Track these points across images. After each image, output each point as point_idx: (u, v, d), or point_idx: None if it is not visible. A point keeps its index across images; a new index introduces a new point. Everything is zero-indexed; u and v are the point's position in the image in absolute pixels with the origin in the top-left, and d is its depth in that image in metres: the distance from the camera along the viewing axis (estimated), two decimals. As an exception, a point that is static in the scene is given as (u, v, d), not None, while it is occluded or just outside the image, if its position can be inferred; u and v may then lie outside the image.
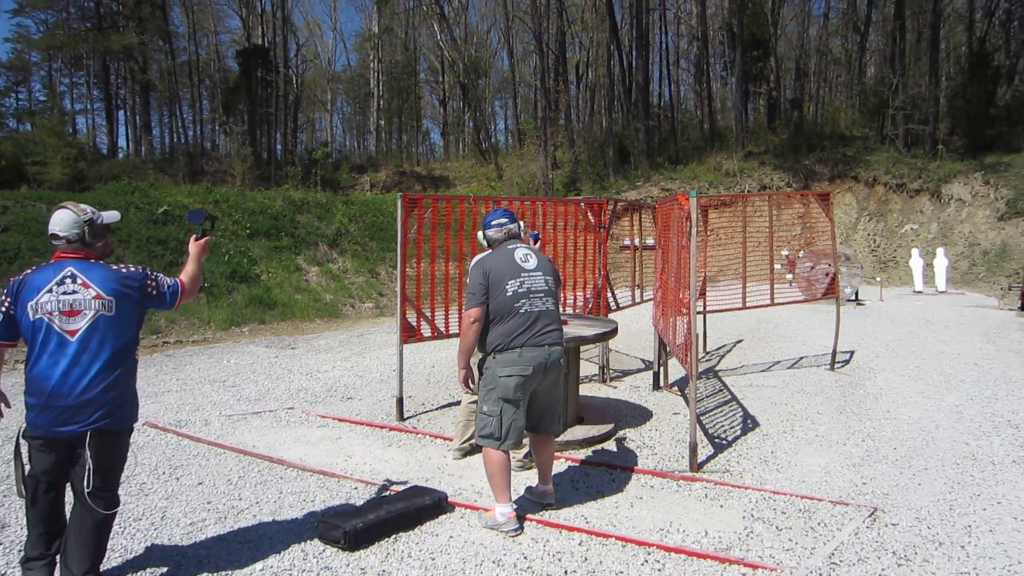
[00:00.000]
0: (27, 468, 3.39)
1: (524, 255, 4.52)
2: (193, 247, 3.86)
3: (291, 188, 25.18)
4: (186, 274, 3.73)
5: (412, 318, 7.43)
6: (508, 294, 4.34)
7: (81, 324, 3.27)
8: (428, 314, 7.60)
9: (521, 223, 4.77)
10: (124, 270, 3.45)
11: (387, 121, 52.94)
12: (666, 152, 35.40)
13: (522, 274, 4.42)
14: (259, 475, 5.40)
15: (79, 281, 3.30)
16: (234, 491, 5.06)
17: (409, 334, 7.34)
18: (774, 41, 38.28)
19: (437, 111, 56.97)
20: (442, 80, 52.37)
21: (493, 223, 4.67)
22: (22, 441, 3.37)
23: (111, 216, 3.58)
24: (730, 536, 4.29)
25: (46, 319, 3.24)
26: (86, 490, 3.26)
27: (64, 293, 3.27)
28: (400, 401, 7.13)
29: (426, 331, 7.57)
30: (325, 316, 15.67)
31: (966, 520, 4.54)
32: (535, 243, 6.31)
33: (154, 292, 3.52)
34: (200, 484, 5.20)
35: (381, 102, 50.94)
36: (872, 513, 4.62)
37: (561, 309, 5.13)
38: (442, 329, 7.68)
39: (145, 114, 44.05)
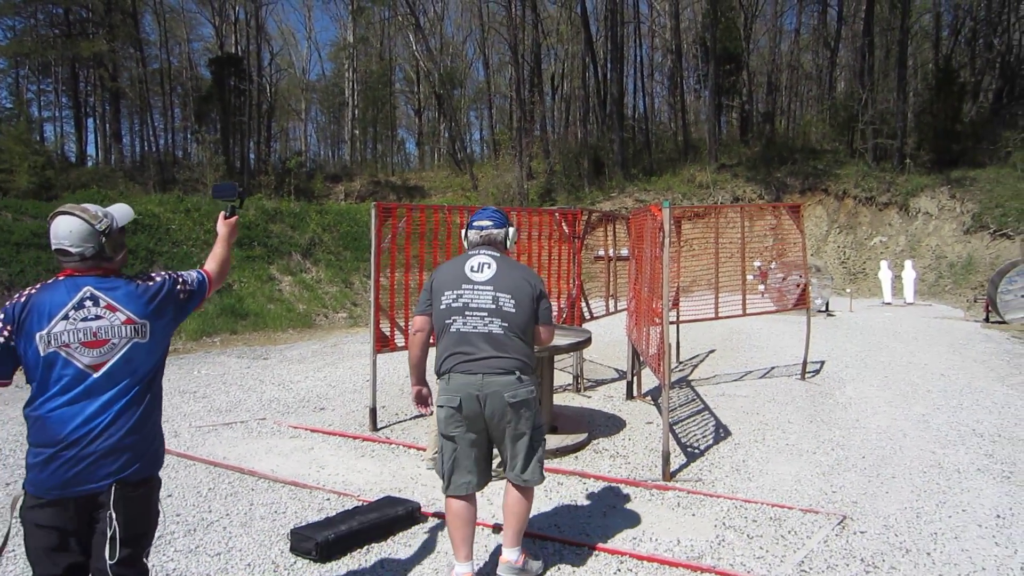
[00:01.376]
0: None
1: (479, 264, 3.80)
2: (222, 227, 3.22)
3: (264, 197, 25.00)
4: (214, 258, 3.12)
5: (386, 328, 7.41)
6: (441, 308, 3.74)
7: (109, 356, 2.57)
8: (402, 324, 7.59)
9: (511, 229, 4.01)
10: (152, 283, 2.74)
11: (362, 131, 52.82)
12: (640, 163, 35.62)
13: (463, 286, 3.73)
14: (229, 487, 5.35)
15: (102, 304, 2.60)
16: (204, 503, 5.01)
17: (383, 344, 7.32)
18: (746, 55, 38.81)
19: (412, 121, 57.02)
20: (417, 90, 52.41)
21: (474, 223, 3.96)
22: (15, 515, 2.60)
23: (125, 214, 2.82)
24: (702, 544, 4.32)
25: (62, 353, 2.52)
26: (109, 563, 2.50)
27: (85, 319, 2.56)
28: (373, 411, 7.10)
29: (400, 341, 7.56)
30: (298, 326, 15.56)
31: (932, 527, 4.61)
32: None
33: (185, 297, 2.85)
34: (169, 496, 5.14)
35: (356, 112, 50.83)
36: (841, 521, 4.68)
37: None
38: (416, 339, 7.66)
39: (115, 122, 43.52)
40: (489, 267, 3.79)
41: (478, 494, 3.83)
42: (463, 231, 4.04)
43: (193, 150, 46.09)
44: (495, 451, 3.89)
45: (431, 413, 3.97)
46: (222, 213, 3.25)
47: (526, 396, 3.66)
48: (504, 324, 3.68)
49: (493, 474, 3.98)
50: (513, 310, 3.71)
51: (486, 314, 3.68)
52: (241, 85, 41.41)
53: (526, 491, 3.80)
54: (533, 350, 3.85)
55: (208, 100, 42.49)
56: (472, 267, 3.79)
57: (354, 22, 48.71)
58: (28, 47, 41.13)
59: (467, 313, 3.69)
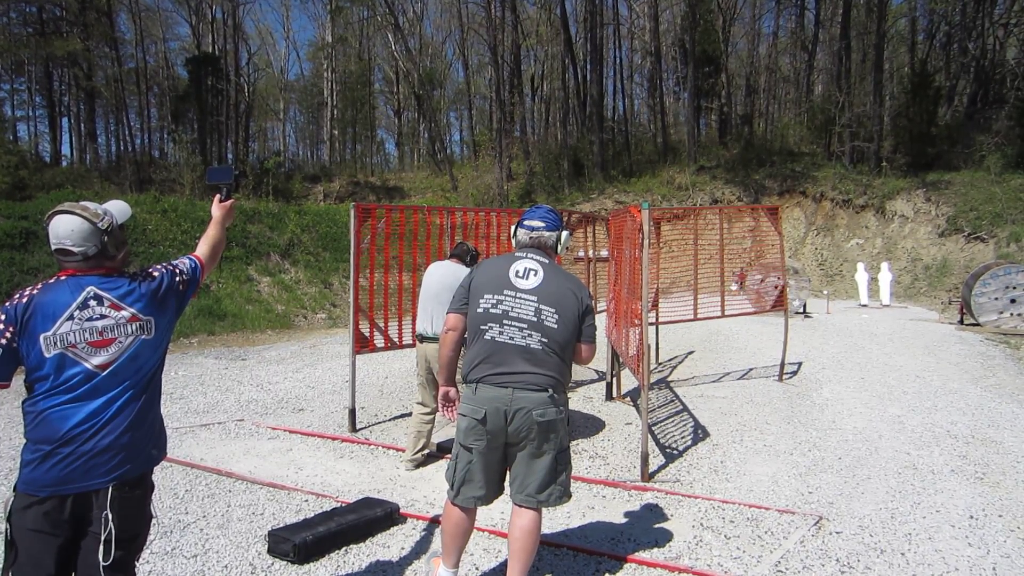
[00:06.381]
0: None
1: (525, 269, 3.51)
2: (217, 210, 3.17)
3: (242, 198, 24.82)
4: (206, 241, 3.06)
5: (365, 329, 7.39)
6: (478, 311, 3.47)
7: (115, 355, 2.55)
8: (381, 325, 7.57)
9: (564, 234, 3.72)
10: (153, 279, 2.71)
11: (341, 131, 52.60)
12: (620, 165, 35.78)
13: (505, 291, 3.45)
14: (207, 488, 5.31)
15: (107, 303, 2.55)
16: (180, 505, 4.97)
17: (362, 345, 7.30)
18: (725, 58, 39.09)
19: (392, 121, 56.92)
20: (397, 90, 52.30)
21: (525, 222, 3.66)
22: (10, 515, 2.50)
23: (123, 211, 2.76)
24: (680, 545, 4.34)
25: (69, 354, 2.48)
26: (102, 564, 2.47)
27: (90, 319, 2.51)
28: (352, 412, 7.08)
29: (379, 342, 7.54)
30: (277, 327, 15.48)
31: (907, 528, 4.66)
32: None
33: (184, 287, 2.82)
34: (145, 498, 5.09)
35: (335, 112, 50.61)
36: (817, 522, 4.71)
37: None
38: (395, 340, 7.66)
39: (90, 121, 42.99)
40: (536, 274, 3.50)
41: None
42: (513, 227, 3.75)
43: (170, 150, 45.65)
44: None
45: (453, 420, 3.64)
46: (217, 196, 3.20)
47: (555, 416, 3.40)
48: (544, 339, 3.40)
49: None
50: (555, 325, 3.43)
51: (525, 326, 3.41)
52: (218, 85, 41.11)
53: (535, 519, 3.45)
54: (570, 368, 3.59)
55: (185, 100, 42.10)
56: (517, 272, 3.50)
57: (333, 22, 48.54)
58: (1, 46, 40.55)
59: (505, 322, 3.42)
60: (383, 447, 6.45)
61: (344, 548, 4.20)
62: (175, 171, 35.30)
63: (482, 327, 3.45)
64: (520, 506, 3.47)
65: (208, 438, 6.75)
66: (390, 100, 55.35)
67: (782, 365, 9.68)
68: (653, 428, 7.09)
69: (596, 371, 9.94)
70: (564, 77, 38.47)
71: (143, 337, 2.62)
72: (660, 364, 10.93)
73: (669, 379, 9.82)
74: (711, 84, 39.48)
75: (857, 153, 30.54)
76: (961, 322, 16.44)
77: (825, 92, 37.08)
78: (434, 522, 4.54)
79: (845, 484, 5.51)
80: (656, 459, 6.08)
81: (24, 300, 2.50)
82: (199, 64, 40.40)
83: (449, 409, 3.72)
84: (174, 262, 2.87)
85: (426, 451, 5.92)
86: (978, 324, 15.58)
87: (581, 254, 10.83)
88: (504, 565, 3.73)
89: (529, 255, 3.58)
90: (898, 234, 26.49)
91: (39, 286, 2.56)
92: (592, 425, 7.27)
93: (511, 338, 3.40)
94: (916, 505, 5.08)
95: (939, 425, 7.31)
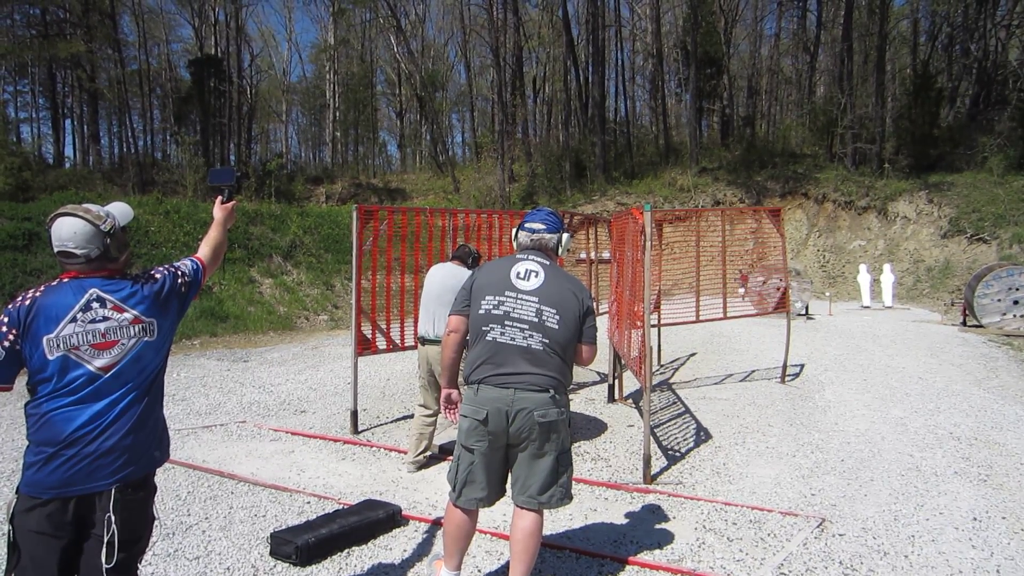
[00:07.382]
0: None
1: (526, 271, 3.54)
2: (218, 211, 3.16)
3: (244, 199, 24.83)
4: (208, 243, 3.05)
5: (367, 330, 7.39)
6: (479, 312, 3.49)
7: (118, 357, 2.54)
8: (383, 327, 7.57)
9: (565, 236, 3.73)
10: (155, 282, 2.71)
11: (343, 133, 52.63)
12: (622, 167, 35.76)
13: (506, 292, 3.48)
14: (209, 490, 5.31)
15: (109, 305, 2.55)
16: (183, 507, 4.97)
17: (364, 346, 7.30)
18: (727, 59, 39.09)
19: (394, 123, 56.91)
20: (399, 92, 52.31)
21: (526, 225, 3.69)
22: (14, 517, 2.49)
23: (125, 214, 2.76)
24: (682, 547, 4.34)
25: (72, 356, 2.47)
26: (105, 566, 2.46)
27: (93, 321, 2.51)
28: (354, 414, 7.08)
29: (381, 343, 7.54)
30: (279, 328, 15.49)
31: (910, 530, 4.65)
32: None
33: (186, 289, 2.81)
34: (147, 500, 5.09)
35: (337, 114, 50.65)
36: (820, 524, 4.71)
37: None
38: (397, 342, 7.66)
39: (93, 123, 43.07)
40: (536, 275, 3.52)
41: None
42: (514, 230, 3.77)
43: (173, 152, 45.73)
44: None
45: (456, 422, 3.63)
46: (219, 198, 3.20)
47: (556, 417, 3.40)
48: (545, 340, 3.42)
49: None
50: (556, 326, 3.44)
51: (527, 327, 3.42)
52: (221, 86, 41.13)
53: (537, 520, 3.45)
54: (571, 368, 3.61)
55: (188, 101, 42.18)
56: (519, 273, 3.53)
57: (335, 24, 48.60)
58: (4, 48, 40.50)
59: (507, 323, 3.43)
60: (385, 449, 6.45)
61: (346, 550, 4.20)
62: (178, 173, 35.31)
63: (484, 328, 3.46)
64: (522, 508, 3.47)
65: (210, 440, 6.76)
66: (392, 102, 55.36)
67: (784, 367, 9.67)
68: (655, 430, 7.08)
69: (598, 373, 9.93)
70: (566, 79, 38.47)
71: (146, 339, 2.62)
72: (662, 366, 10.93)
73: (671, 381, 9.82)
74: (713, 86, 39.49)
75: (859, 155, 30.50)
76: (964, 324, 16.41)
77: (827, 94, 37.05)
78: (436, 524, 4.54)
79: (848, 486, 5.51)
80: (658, 461, 6.08)
81: (27, 302, 2.49)
82: (202, 66, 40.45)
83: (452, 411, 3.73)
84: (176, 264, 2.87)
85: (428, 453, 5.92)
86: (981, 326, 15.55)
87: (583, 256, 10.83)
88: (506, 567, 3.72)
89: (530, 257, 3.61)
90: (900, 236, 26.45)
91: (41, 288, 2.55)
92: (594, 427, 7.27)
93: (512, 339, 3.42)
94: (919, 507, 5.07)
95: (942, 427, 7.30)
